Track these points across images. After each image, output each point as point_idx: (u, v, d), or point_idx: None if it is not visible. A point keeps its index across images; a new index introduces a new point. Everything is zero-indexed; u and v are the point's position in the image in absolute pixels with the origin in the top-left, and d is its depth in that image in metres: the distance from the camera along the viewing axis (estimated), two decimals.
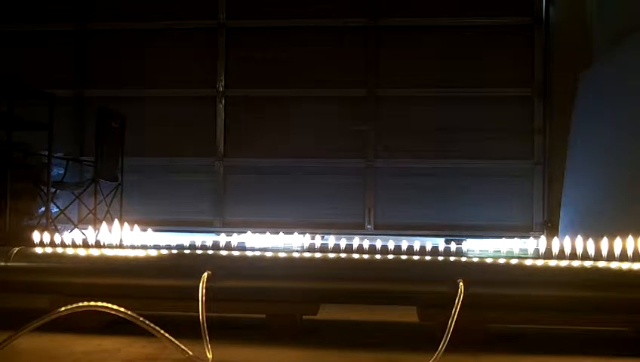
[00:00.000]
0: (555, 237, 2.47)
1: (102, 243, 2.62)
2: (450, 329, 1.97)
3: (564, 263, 2.30)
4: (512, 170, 5.86)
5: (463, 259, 2.37)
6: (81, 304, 1.96)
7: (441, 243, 2.70)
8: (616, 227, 3.53)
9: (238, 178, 6.13)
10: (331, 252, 2.49)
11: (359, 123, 6.00)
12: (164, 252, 2.47)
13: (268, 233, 2.89)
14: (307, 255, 2.45)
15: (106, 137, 4.90)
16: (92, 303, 1.97)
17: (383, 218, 5.95)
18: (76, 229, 4.88)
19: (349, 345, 2.26)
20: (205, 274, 2.24)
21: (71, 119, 6.20)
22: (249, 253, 2.46)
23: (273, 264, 2.39)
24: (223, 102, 6.16)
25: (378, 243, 2.61)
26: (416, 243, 2.52)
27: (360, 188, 5.99)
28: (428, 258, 2.36)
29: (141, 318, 1.92)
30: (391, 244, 2.52)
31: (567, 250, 2.40)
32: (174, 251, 2.50)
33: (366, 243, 2.56)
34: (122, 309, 1.93)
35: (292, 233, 2.96)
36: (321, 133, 6.04)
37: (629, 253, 2.31)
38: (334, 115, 6.05)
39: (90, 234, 4.61)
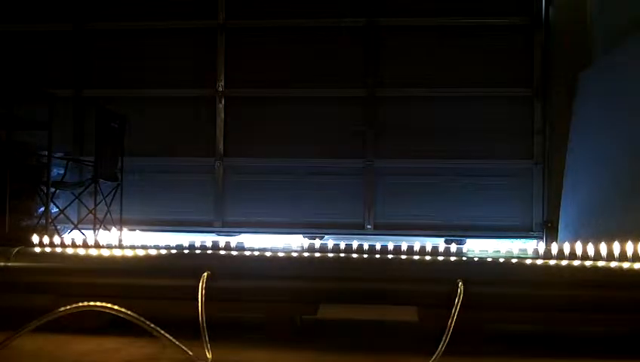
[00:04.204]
0: (554, 243, 2.47)
1: (101, 244, 2.62)
2: (450, 329, 1.97)
3: (563, 263, 2.30)
4: (512, 170, 5.85)
5: (463, 259, 2.37)
6: (81, 304, 1.97)
7: (441, 243, 2.69)
8: (616, 226, 3.53)
9: (238, 178, 6.12)
10: (331, 252, 2.49)
11: (359, 123, 5.99)
12: (164, 252, 2.47)
13: (267, 235, 2.88)
14: (306, 255, 2.45)
15: (105, 137, 4.90)
16: (92, 303, 1.98)
17: (382, 218, 5.95)
18: (76, 229, 4.88)
19: (349, 345, 2.26)
20: (205, 274, 2.24)
21: (71, 119, 6.20)
22: (248, 253, 2.46)
23: (273, 264, 2.39)
24: (223, 102, 6.16)
25: (378, 244, 2.61)
26: (417, 243, 2.52)
27: (360, 188, 5.98)
28: (428, 258, 2.36)
29: (141, 318, 1.92)
30: (391, 244, 2.51)
31: (567, 252, 2.40)
32: (174, 251, 2.50)
33: (366, 244, 2.56)
34: (122, 309, 1.93)
35: (292, 233, 2.95)
36: (321, 133, 6.04)
37: (629, 253, 2.31)
38: (334, 115, 6.05)
39: (89, 234, 4.62)
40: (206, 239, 2.77)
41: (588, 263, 2.28)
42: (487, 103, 5.89)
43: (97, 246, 2.59)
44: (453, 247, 2.62)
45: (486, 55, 5.91)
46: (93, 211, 4.95)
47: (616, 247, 2.33)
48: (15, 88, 4.33)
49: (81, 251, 2.50)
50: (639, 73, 4.07)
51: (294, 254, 2.48)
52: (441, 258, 2.36)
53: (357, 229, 5.86)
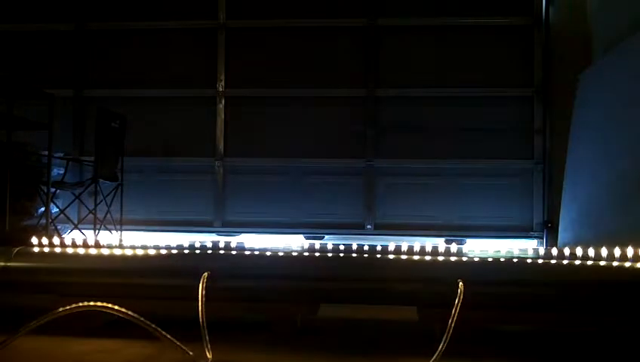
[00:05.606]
0: (554, 244, 2.48)
1: (101, 244, 2.62)
2: (450, 329, 1.97)
3: (564, 263, 2.30)
4: (512, 170, 5.86)
5: (463, 259, 2.37)
6: (81, 304, 1.96)
7: (441, 243, 2.69)
8: (616, 227, 3.53)
9: (238, 178, 6.13)
10: (331, 252, 2.49)
11: (359, 123, 6.00)
12: (164, 252, 2.47)
13: (267, 235, 2.88)
14: (307, 255, 2.45)
15: (105, 137, 4.90)
16: (92, 303, 1.98)
17: (383, 218, 5.95)
18: (76, 229, 4.87)
19: (349, 345, 2.26)
20: (205, 274, 2.24)
21: (71, 119, 6.20)
22: (248, 253, 2.46)
23: (273, 264, 2.39)
24: (223, 102, 6.16)
25: (378, 244, 2.61)
26: (417, 243, 2.52)
27: (360, 188, 5.99)
28: (428, 258, 2.36)
29: (141, 318, 1.92)
30: (391, 244, 2.51)
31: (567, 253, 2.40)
32: (174, 251, 2.50)
33: (366, 244, 2.56)
34: (122, 309, 1.93)
35: (292, 233, 2.95)
36: (321, 133, 6.04)
37: (629, 254, 2.31)
38: (334, 115, 6.05)
39: (90, 234, 4.62)
40: (206, 239, 2.77)
41: (588, 263, 2.28)
42: (487, 103, 5.89)
43: (97, 246, 2.59)
44: (454, 247, 2.62)
45: (486, 55, 5.91)
46: (93, 211, 4.95)
47: (616, 249, 2.33)
48: (15, 88, 4.32)
49: (81, 251, 2.50)
50: (639, 73, 4.07)
51: (294, 254, 2.48)
52: (441, 258, 2.36)
53: (357, 229, 5.86)
